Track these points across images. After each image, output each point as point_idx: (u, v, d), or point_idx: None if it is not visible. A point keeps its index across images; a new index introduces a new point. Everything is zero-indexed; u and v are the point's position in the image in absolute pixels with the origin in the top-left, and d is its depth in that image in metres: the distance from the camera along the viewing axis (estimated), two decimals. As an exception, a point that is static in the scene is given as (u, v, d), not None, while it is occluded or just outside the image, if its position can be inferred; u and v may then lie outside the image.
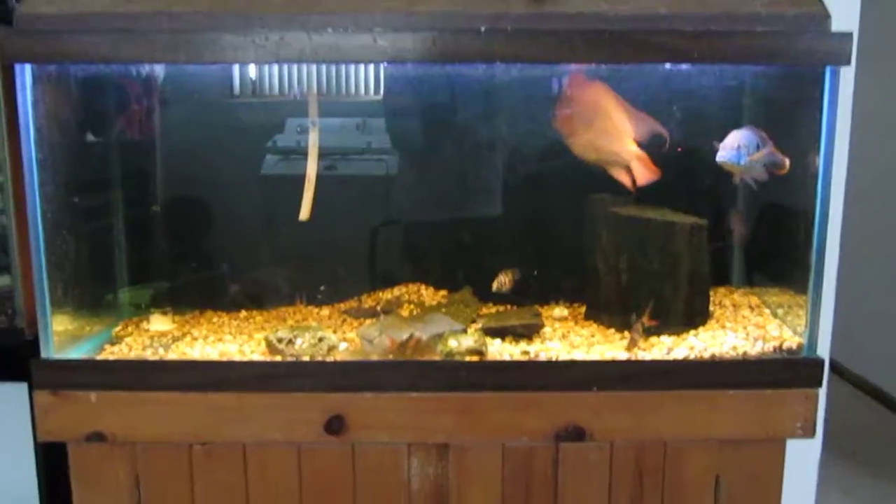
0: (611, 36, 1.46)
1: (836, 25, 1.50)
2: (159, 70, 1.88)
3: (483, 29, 1.46)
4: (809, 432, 1.59)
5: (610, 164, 1.73)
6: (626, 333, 1.71)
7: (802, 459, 2.14)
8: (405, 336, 1.60)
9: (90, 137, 1.86)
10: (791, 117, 1.72)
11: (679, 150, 1.84)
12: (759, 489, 1.63)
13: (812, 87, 1.54)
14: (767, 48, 1.47)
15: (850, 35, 1.47)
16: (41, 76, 1.55)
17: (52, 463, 1.70)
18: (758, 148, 1.61)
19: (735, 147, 1.60)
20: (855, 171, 2.02)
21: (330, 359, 1.63)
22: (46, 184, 1.58)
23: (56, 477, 1.67)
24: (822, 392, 1.64)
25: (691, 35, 1.46)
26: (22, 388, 1.63)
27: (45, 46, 1.48)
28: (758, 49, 1.47)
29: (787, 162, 1.63)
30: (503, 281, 1.82)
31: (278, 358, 1.63)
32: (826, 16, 1.50)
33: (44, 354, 1.59)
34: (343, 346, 1.69)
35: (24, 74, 1.51)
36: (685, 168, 1.88)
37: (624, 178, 1.72)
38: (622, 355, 1.62)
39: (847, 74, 1.74)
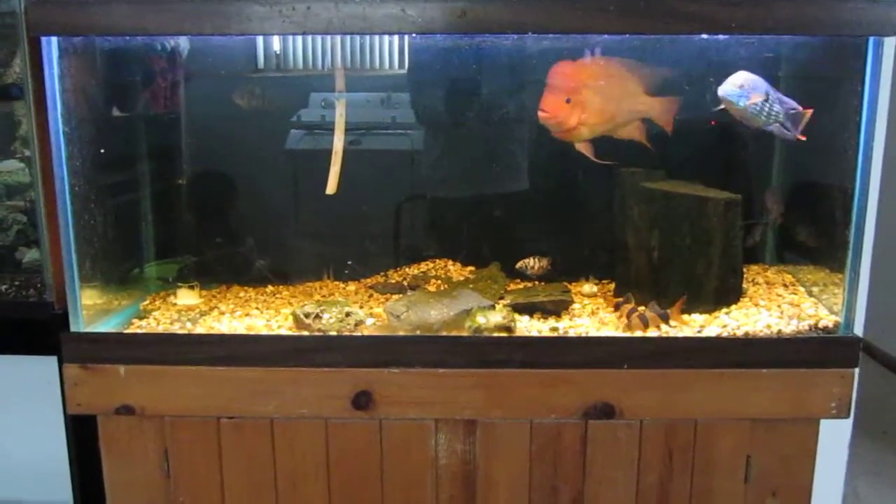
0: (646, 4, 1.41)
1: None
2: (184, 44, 1.87)
3: (514, -2, 1.43)
4: (844, 412, 1.56)
5: (628, 127, 1.70)
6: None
7: (833, 439, 2.11)
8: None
9: (116, 112, 1.86)
10: (829, 91, 1.67)
11: (712, 123, 1.80)
12: (791, 470, 1.60)
13: (851, 59, 1.50)
14: (809, 17, 1.42)
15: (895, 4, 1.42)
16: (67, 49, 1.54)
17: (82, 435, 1.72)
18: (766, 99, 1.54)
19: (738, 85, 1.52)
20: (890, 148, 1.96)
21: (357, 334, 1.63)
22: (74, 158, 1.58)
23: (86, 449, 1.69)
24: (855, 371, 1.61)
25: (731, 4, 1.41)
26: (52, 361, 1.64)
27: (72, 19, 1.46)
28: (800, 18, 1.42)
29: (805, 116, 1.56)
30: (530, 264, 1.80)
31: (305, 332, 1.62)
32: (870, -16, 1.45)
33: (73, 328, 1.60)
34: (370, 321, 1.68)
35: (51, 47, 1.50)
36: (719, 142, 1.84)
37: (640, 135, 1.69)
38: (652, 332, 1.60)
39: (889, 47, 1.68)
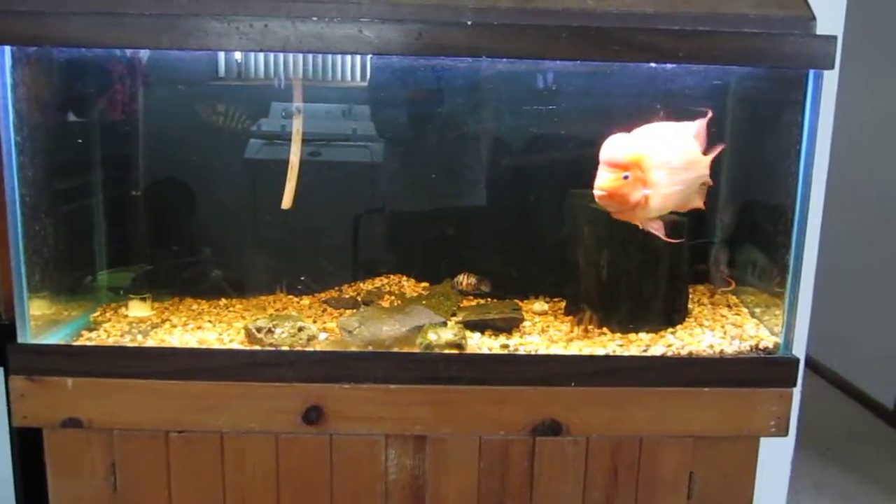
0: (597, 33, 1.45)
1: (821, 28, 1.51)
2: (142, 52, 1.86)
3: (469, 22, 1.46)
4: (783, 431, 1.61)
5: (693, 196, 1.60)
6: (606, 330, 1.72)
7: (775, 455, 2.18)
8: None
9: (70, 119, 1.84)
10: (771, 118, 1.73)
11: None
12: (732, 486, 1.65)
13: (793, 88, 1.55)
14: (753, 50, 1.47)
15: (834, 38, 1.48)
16: (21, 59, 1.53)
17: (27, 448, 1.70)
18: None
19: None
20: (833, 171, 2.05)
21: (309, 349, 1.63)
22: (25, 167, 1.56)
23: (31, 462, 1.67)
24: (797, 388, 1.66)
25: (678, 34, 1.46)
26: (-3, 372, 1.63)
27: (26, 29, 1.45)
28: (743, 50, 1.47)
29: None
30: (460, 279, 1.87)
31: (257, 347, 1.62)
32: (811, 18, 1.51)
33: (20, 339, 1.58)
34: (323, 336, 1.69)
35: (4, 57, 1.49)
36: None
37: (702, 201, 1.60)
38: (600, 351, 1.64)
39: (830, 77, 1.75)
